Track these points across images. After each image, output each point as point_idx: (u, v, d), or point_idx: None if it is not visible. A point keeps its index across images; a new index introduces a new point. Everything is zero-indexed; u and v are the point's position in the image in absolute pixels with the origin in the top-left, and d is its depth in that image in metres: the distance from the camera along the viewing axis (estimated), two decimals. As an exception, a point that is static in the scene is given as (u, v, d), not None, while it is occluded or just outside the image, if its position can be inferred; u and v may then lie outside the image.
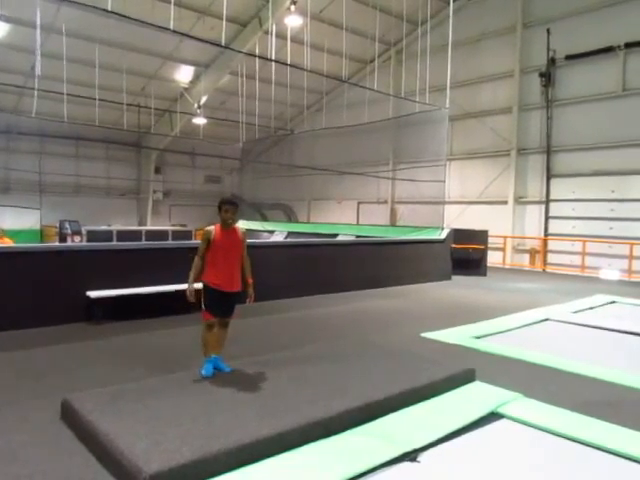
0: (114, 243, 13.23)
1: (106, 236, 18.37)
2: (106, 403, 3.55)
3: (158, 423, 3.24)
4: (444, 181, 14.32)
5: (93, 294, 6.63)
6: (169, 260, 7.50)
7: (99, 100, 16.72)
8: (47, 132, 18.58)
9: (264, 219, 23.71)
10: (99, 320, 6.63)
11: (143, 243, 12.72)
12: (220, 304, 4.36)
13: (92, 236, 18.14)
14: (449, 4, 13.52)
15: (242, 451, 3.00)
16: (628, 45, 14.31)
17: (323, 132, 20.35)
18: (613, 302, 9.38)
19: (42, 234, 20.11)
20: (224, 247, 4.36)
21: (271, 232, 17.65)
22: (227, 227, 4.41)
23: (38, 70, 13.27)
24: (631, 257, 13.55)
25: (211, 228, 4.41)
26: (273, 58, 13.82)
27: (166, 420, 3.29)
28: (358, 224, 19.99)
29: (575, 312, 8.25)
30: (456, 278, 12.11)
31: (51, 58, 15.28)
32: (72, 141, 21.02)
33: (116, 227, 20.05)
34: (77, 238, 18.42)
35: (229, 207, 4.37)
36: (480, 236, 13.27)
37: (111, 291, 6.79)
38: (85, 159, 22.75)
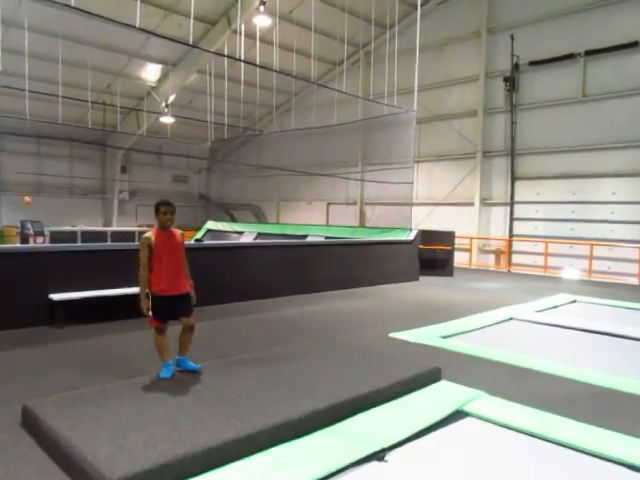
0: (78, 244, 12.90)
1: (70, 237, 17.88)
2: (68, 408, 3.46)
3: (122, 428, 3.18)
4: (412, 183, 14.50)
5: (56, 297, 6.45)
6: (135, 261, 7.35)
7: (62, 97, 16.30)
8: (7, 129, 17.99)
9: (233, 220, 23.54)
10: (62, 323, 6.45)
11: (108, 244, 12.45)
12: (168, 309, 4.27)
13: (55, 237, 17.63)
14: (416, 8, 13.71)
15: (209, 454, 2.97)
16: (588, 52, 14.80)
17: (292, 133, 20.33)
18: (574, 301, 9.67)
19: (2, 235, 19.47)
20: (166, 251, 4.25)
21: (240, 233, 17.52)
22: (166, 230, 4.31)
23: (-2, 65, 12.84)
24: (591, 257, 14.00)
25: (149, 234, 4.26)
26: (242, 58, 13.74)
27: (130, 424, 3.23)
28: (328, 225, 20.05)
29: (539, 311, 8.47)
30: (424, 278, 12.27)
31: (12, 53, 14.82)
32: (34, 139, 20.42)
33: (80, 228, 19.56)
34: (39, 239, 17.91)
35: (167, 209, 4.25)
36: (447, 237, 13.49)
37: (75, 293, 6.61)
38: (47, 157, 22.13)
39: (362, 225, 19.88)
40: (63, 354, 5.40)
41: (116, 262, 7.20)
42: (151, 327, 4.38)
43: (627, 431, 3.64)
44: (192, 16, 11.85)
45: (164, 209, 4.25)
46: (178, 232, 4.44)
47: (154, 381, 4.10)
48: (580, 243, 14.52)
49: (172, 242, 4.32)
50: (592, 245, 14.01)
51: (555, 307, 8.99)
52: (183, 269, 4.37)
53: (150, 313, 4.24)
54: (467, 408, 4.01)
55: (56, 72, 15.68)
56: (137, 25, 9.61)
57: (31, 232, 18.20)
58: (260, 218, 24.68)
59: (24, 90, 14.38)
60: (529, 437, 3.61)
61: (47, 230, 18.24)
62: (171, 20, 16.20)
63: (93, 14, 9.12)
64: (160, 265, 4.23)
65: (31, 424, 3.40)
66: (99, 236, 18.51)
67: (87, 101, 18.40)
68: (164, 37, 11.73)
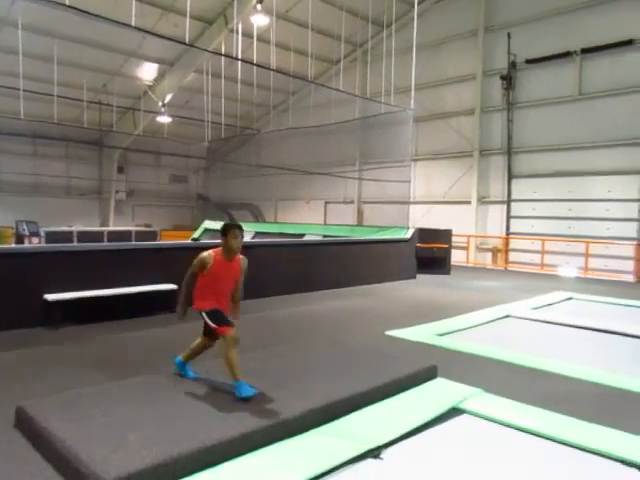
0: (74, 244, 12.87)
1: (66, 237, 17.78)
2: (63, 409, 3.44)
3: (117, 428, 3.17)
4: (409, 181, 14.50)
5: (51, 297, 6.42)
6: (131, 261, 7.35)
7: (58, 97, 16.23)
8: (2, 129, 17.92)
9: (231, 219, 23.52)
10: (57, 324, 6.42)
11: (104, 244, 12.42)
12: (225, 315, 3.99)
13: (51, 237, 17.54)
14: (413, 7, 13.71)
15: (204, 454, 2.97)
16: (584, 51, 14.81)
17: (290, 132, 20.30)
18: (570, 298, 9.69)
19: (-2, 235, 19.39)
20: (221, 279, 3.87)
21: (237, 232, 17.47)
22: (230, 258, 3.85)
23: (-8, 65, 12.77)
24: (587, 255, 14.03)
25: (208, 255, 3.81)
26: (239, 57, 13.71)
27: (126, 425, 3.22)
28: (325, 224, 20.04)
29: (535, 309, 8.49)
30: (421, 277, 12.28)
31: (6, 52, 14.78)
32: (29, 139, 20.36)
33: (77, 228, 19.47)
34: (35, 239, 17.84)
35: (240, 232, 3.81)
36: (444, 235, 13.50)
37: (70, 294, 6.58)
38: (43, 158, 22.06)
39: (360, 224, 19.88)
40: (58, 355, 5.39)
41: (112, 262, 7.19)
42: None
43: (622, 427, 3.65)
44: (188, 15, 11.82)
45: (236, 232, 3.78)
46: (241, 258, 3.99)
47: (150, 381, 4.10)
48: (576, 241, 14.54)
49: (232, 272, 3.92)
50: (588, 243, 14.04)
51: (551, 305, 9.01)
52: (229, 295, 4.03)
53: (216, 322, 3.89)
54: (463, 405, 4.01)
55: (52, 71, 15.61)
56: (133, 24, 9.59)
57: (26, 233, 18.13)
58: (258, 218, 24.68)
59: (19, 90, 14.32)
60: (525, 434, 3.62)
61: (42, 231, 18.17)
62: (168, 19, 16.16)
63: (89, 13, 9.07)
64: (208, 289, 3.87)
65: (25, 425, 3.38)
66: (95, 236, 18.45)
67: (83, 101, 18.35)
68: (161, 36, 11.71)
